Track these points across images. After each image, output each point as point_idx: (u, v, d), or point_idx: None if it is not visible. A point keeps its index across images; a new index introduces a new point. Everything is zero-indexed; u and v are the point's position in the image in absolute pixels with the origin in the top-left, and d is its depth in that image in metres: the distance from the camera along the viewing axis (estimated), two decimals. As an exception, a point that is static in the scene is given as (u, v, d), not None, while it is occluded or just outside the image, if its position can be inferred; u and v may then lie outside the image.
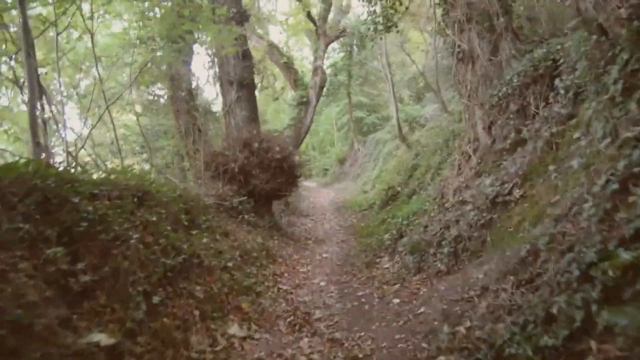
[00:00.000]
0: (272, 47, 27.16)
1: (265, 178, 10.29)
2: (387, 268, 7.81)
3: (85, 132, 10.59)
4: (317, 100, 26.97)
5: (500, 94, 7.36)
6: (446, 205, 7.73)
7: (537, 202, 5.43)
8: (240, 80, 11.27)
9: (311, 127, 32.40)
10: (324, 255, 9.63)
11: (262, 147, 10.47)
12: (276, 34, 58.88)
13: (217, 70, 11.95)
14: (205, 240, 5.94)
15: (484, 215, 6.13)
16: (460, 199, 7.44)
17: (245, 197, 10.01)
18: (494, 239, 5.75)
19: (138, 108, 15.90)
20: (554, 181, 5.32)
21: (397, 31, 10.92)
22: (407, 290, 6.18)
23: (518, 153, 6.66)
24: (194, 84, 14.13)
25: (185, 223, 5.61)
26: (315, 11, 26.40)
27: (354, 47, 29.99)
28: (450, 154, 10.95)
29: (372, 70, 30.40)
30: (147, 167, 15.48)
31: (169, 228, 4.83)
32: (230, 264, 6.18)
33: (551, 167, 5.50)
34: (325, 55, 27.84)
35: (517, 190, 5.95)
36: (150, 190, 5.19)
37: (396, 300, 5.84)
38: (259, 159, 10.37)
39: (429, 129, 20.35)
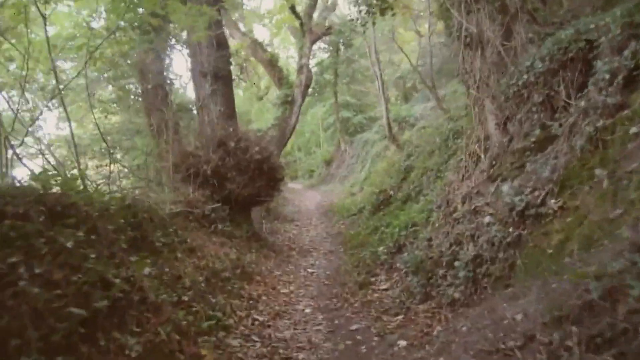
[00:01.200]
0: (256, 44, 25.81)
1: (242, 181, 8.91)
2: (385, 290, 6.48)
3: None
4: (303, 100, 25.68)
5: (519, 83, 6.07)
6: (455, 215, 6.41)
7: (585, 217, 4.12)
8: (215, 72, 9.88)
9: (297, 128, 31.12)
10: (310, 270, 8.28)
11: (239, 147, 9.10)
12: (261, 33, 57.47)
13: (189, 60, 10.56)
14: (149, 268, 4.52)
15: (510, 230, 4.81)
16: (472, 207, 6.13)
17: (219, 204, 8.61)
18: (527, 263, 4.43)
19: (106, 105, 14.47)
20: (607, 189, 4.03)
21: (393, 14, 9.60)
22: (415, 327, 4.83)
23: (547, 153, 5.36)
24: (169, 78, 12.67)
25: (124, 245, 4.19)
26: (300, 8, 25.08)
27: (341, 45, 28.72)
28: (452, 155, 9.68)
29: (359, 68, 29.11)
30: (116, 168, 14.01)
31: (93, 256, 3.43)
32: (188, 295, 4.78)
33: (599, 171, 4.21)
34: (311, 53, 26.59)
35: (553, 201, 4.65)
36: (75, 202, 3.78)
37: (402, 343, 4.49)
38: (236, 160, 8.99)
39: (420, 128, 19.16)
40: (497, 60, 6.97)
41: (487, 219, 5.44)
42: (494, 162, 6.59)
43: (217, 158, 8.82)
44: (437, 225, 6.85)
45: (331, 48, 28.90)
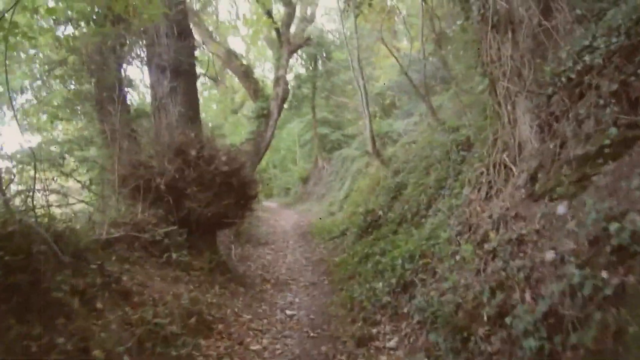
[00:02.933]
0: (230, 54, 24.09)
1: (205, 199, 7.04)
2: (393, 350, 4.66)
3: None
4: (279, 113, 24.00)
5: (576, 69, 4.42)
6: (487, 246, 4.65)
7: None
8: (176, 66, 8.03)
9: (272, 144, 29.36)
10: (289, 312, 6.40)
11: (201, 156, 7.24)
12: (236, 45, 55.84)
13: (144, 52, 8.67)
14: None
15: (604, 277, 3.06)
16: (514, 237, 4.40)
17: (174, 227, 6.72)
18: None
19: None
20: None
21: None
22: None
23: (632, 160, 3.68)
24: (126, 77, 10.69)
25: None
26: (278, 18, 23.55)
27: (320, 58, 27.19)
28: (458, 169, 8.00)
29: (338, 82, 27.53)
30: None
31: None
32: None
33: None
34: (289, 65, 25.00)
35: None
36: None
37: None
38: (198, 173, 7.12)
39: (404, 144, 17.59)
40: (533, 45, 5.33)
41: (549, 255, 3.69)
42: (535, 176, 4.90)
43: (173, 169, 6.94)
44: (459, 258, 5.09)
45: (309, 61, 27.34)
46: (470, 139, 8.48)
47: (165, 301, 4.77)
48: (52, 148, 12.27)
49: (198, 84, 10.95)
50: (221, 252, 8.55)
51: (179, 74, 8.06)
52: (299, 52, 26.78)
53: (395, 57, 13.82)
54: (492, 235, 4.82)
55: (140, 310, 4.22)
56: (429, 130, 15.03)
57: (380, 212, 10.45)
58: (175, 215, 6.90)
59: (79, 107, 11.60)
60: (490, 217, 5.12)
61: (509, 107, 5.55)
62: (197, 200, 7.01)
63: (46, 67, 10.73)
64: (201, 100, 29.72)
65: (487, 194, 5.70)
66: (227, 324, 5.48)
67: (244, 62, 24.76)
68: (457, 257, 5.13)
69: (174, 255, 6.30)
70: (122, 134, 8.76)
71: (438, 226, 6.45)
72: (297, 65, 29.13)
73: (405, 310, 5.33)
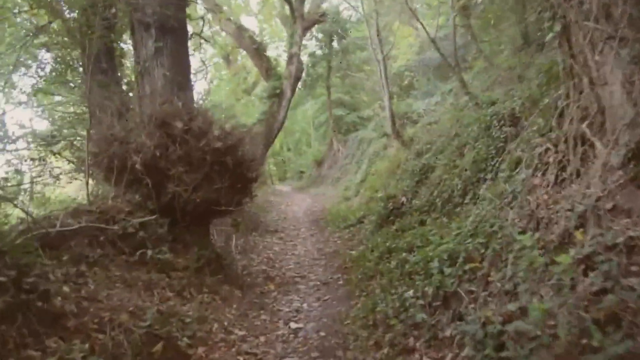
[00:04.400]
0: (241, 31, 22.57)
1: (193, 182, 5.61)
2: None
3: None
4: (293, 93, 22.52)
5: None
6: (573, 252, 3.14)
7: None
8: (162, 22, 6.53)
9: (286, 125, 27.96)
10: (294, 325, 4.98)
11: (189, 130, 5.79)
12: (249, 24, 54.00)
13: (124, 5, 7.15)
14: None
15: None
16: (620, 240, 2.90)
17: (153, 216, 5.33)
18: None
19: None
20: None
21: None
22: None
23: None
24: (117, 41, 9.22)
25: None
26: (291, -8, 21.91)
27: (335, 35, 25.48)
28: (502, 148, 6.47)
29: (355, 60, 25.83)
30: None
31: None
32: None
33: None
34: (303, 43, 23.43)
35: None
36: None
37: None
38: (184, 150, 5.68)
39: (426, 124, 16.03)
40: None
41: None
42: (637, 153, 3.38)
43: (153, 145, 5.51)
44: (525, 265, 3.59)
45: (325, 38, 25.65)
46: (516, 111, 6.92)
47: (119, 322, 3.37)
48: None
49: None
50: (217, 245, 7.16)
51: (165, 32, 6.56)
52: (314, 29, 25.18)
53: (422, 24, 12.03)
54: (578, 235, 3.31)
55: (66, 345, 2.82)
56: (453, 109, 13.51)
57: (404, 199, 8.96)
58: (156, 201, 5.49)
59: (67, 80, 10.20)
60: (570, 209, 3.60)
61: (592, 61, 3.99)
62: (183, 183, 5.59)
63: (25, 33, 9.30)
64: (210, 84, 28.25)
65: (557, 177, 4.18)
66: (211, 347, 4.08)
67: (257, 39, 23.27)
68: (523, 264, 3.64)
69: (150, 252, 4.91)
70: (113, 108, 7.29)
71: (485, 218, 4.94)
72: (312, 44, 27.53)
73: (447, 333, 3.87)
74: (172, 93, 6.13)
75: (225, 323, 4.68)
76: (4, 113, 10.89)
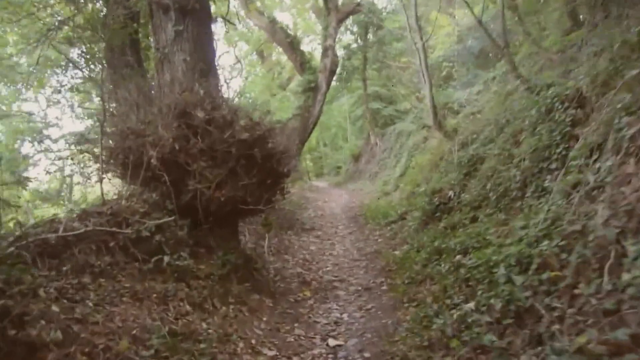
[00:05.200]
0: (275, 25, 21.96)
1: (216, 177, 4.93)
2: None
3: None
4: (328, 86, 21.75)
5: None
6: None
7: None
8: (182, 4, 5.86)
9: (322, 120, 27.21)
10: (332, 343, 4.21)
11: (213, 120, 5.11)
12: (283, 19, 53.48)
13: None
14: None
15: None
16: None
17: (171, 217, 4.68)
18: None
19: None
20: None
21: None
22: None
23: None
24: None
25: None
26: (324, -19, 21.27)
27: (370, 27, 24.50)
28: (569, 134, 5.53)
29: (391, 51, 24.81)
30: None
31: None
32: None
33: None
34: (337, 35, 22.61)
35: None
36: None
37: None
38: (207, 142, 5.01)
39: (468, 114, 15.05)
40: None
41: None
42: None
43: (171, 137, 4.86)
44: (630, 277, 2.72)
45: (360, 30, 24.74)
46: (583, 91, 5.95)
47: (116, 352, 2.70)
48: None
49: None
50: (247, 247, 6.49)
51: (186, 14, 5.90)
52: (348, 20, 24.32)
53: (468, 5, 11.02)
54: None
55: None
56: (498, 96, 12.52)
57: (451, 193, 8.08)
58: (175, 200, 4.84)
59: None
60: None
61: None
62: (206, 179, 4.92)
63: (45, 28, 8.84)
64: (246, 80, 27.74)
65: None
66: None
67: (290, 32, 22.62)
68: (626, 277, 2.77)
69: (167, 259, 4.25)
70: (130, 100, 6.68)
71: (560, 216, 4.05)
72: (347, 37, 26.62)
73: (528, 362, 3.04)
74: (194, 80, 5.47)
75: (253, 341, 3.97)
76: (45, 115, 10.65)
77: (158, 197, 4.89)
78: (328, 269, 7.23)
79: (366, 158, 25.81)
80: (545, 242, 3.73)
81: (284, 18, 40.51)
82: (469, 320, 3.67)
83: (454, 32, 23.76)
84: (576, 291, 3.15)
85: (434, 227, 7.60)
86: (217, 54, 7.85)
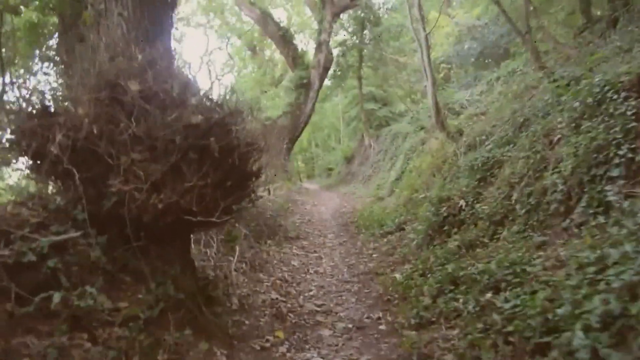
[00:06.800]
0: (266, 17, 20.51)
1: (153, 176, 3.41)
2: None
3: None
4: (321, 83, 20.34)
5: None
6: None
7: None
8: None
9: (315, 121, 25.74)
10: None
11: (153, 96, 3.59)
12: (277, 15, 51.98)
13: None
14: None
15: None
16: None
17: (81, 230, 3.15)
18: None
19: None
20: None
21: None
22: None
23: None
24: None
25: None
26: (320, -28, 19.96)
27: (367, 22, 23.02)
28: (627, 130, 4.07)
29: (388, 49, 23.37)
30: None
31: None
32: None
33: None
34: (333, 31, 21.19)
35: None
36: None
37: None
38: (145, 127, 3.47)
39: (472, 115, 13.70)
40: None
41: None
42: None
43: (89, 117, 3.33)
44: None
45: (356, 26, 23.27)
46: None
47: None
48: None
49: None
50: (209, 265, 4.95)
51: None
52: (344, 16, 22.91)
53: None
54: None
55: None
56: (502, 96, 11.24)
57: (462, 202, 6.61)
58: (88, 207, 3.30)
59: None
60: None
61: None
62: (137, 178, 3.38)
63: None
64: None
65: None
66: None
67: (283, 26, 21.19)
68: None
69: (58, 296, 2.73)
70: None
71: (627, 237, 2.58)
72: (342, 33, 25.11)
73: None
74: (135, 44, 3.98)
75: None
76: None
77: (64, 202, 3.36)
78: (311, 293, 5.72)
79: (359, 160, 24.38)
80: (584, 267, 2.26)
81: (279, 14, 39.06)
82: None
83: (453, 33, 22.47)
84: None
85: (441, 243, 6.13)
86: (176, 14, 6.24)
